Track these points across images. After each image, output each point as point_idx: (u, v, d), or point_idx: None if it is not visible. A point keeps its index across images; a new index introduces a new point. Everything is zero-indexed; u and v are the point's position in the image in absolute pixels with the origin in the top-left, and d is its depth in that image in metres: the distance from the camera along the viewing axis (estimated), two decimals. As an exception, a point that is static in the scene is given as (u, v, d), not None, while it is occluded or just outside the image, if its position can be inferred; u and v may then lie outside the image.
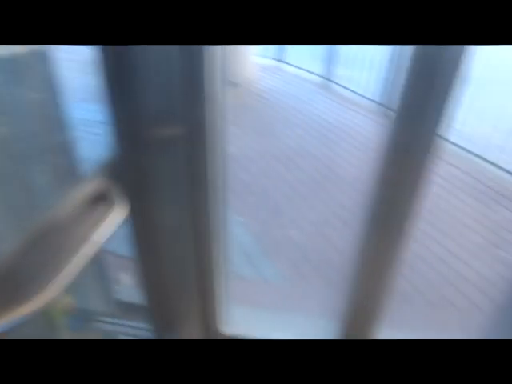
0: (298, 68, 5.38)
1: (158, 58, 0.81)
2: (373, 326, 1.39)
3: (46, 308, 1.24)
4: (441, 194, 3.04)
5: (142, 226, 1.30)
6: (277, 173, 3.16)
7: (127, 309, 1.63)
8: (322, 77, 5.12)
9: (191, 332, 1.59)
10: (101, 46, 0.75)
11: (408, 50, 0.68)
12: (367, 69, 4.61)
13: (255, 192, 2.93)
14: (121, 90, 0.82)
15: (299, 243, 2.47)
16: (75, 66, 2.22)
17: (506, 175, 3.25)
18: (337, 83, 4.96)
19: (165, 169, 1.17)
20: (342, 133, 3.83)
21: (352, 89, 4.72)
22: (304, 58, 5.22)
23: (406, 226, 0.89)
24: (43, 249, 0.72)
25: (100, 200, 0.86)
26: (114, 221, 0.86)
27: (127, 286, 1.60)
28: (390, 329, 2.07)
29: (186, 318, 1.57)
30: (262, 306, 2.07)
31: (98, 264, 1.50)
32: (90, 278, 1.49)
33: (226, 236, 1.48)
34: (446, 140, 3.73)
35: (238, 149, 3.45)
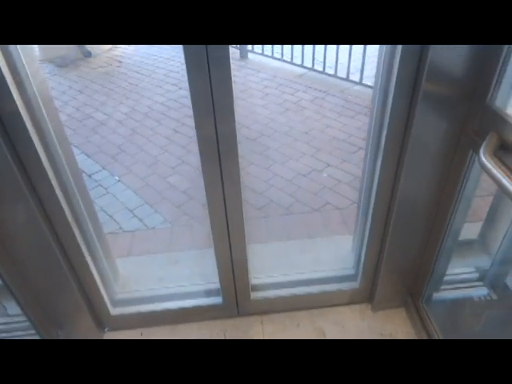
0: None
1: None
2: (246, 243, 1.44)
3: None
4: (312, 116, 3.23)
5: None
6: (149, 129, 3.09)
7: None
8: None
9: (79, 324, 1.49)
10: None
11: None
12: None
13: (129, 150, 2.84)
14: None
15: (179, 188, 2.47)
16: None
17: (367, 90, 3.59)
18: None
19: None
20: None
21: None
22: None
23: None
24: None
25: None
26: None
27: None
28: (281, 240, 2.15)
29: (70, 311, 1.45)
30: (153, 251, 2.05)
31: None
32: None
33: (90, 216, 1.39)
34: (313, 70, 3.98)
35: (106, 115, 3.31)
